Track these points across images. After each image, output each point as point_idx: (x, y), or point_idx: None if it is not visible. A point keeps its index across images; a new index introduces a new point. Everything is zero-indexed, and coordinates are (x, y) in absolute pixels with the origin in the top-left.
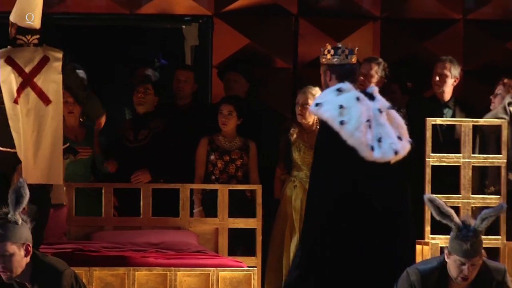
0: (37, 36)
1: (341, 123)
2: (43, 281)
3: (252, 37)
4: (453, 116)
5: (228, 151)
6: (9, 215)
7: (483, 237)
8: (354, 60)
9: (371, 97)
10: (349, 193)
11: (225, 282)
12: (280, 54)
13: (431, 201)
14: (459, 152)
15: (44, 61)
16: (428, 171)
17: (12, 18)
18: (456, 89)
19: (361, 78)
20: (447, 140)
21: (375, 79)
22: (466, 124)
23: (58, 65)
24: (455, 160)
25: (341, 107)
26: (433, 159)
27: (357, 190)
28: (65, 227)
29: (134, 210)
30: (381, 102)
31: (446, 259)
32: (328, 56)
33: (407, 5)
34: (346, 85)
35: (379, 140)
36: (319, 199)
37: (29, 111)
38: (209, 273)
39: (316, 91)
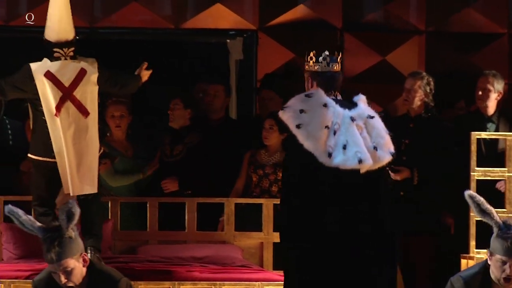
0: (73, 49)
1: (297, 126)
2: None
3: (296, 51)
4: (496, 130)
5: (263, 166)
6: (63, 232)
7: None
8: (336, 68)
9: (353, 105)
10: (310, 196)
11: None
12: None
13: (472, 197)
14: (502, 166)
15: (82, 74)
16: (472, 185)
17: (45, 34)
18: (500, 103)
19: (405, 93)
20: (490, 154)
21: (419, 93)
22: (510, 138)
23: (95, 76)
24: (500, 174)
25: (301, 111)
26: (478, 173)
27: (318, 194)
28: (110, 241)
29: (178, 224)
30: (360, 110)
31: (489, 262)
32: (311, 63)
33: (452, 18)
34: (316, 92)
35: (344, 147)
36: (283, 202)
37: (70, 125)
38: None
39: None
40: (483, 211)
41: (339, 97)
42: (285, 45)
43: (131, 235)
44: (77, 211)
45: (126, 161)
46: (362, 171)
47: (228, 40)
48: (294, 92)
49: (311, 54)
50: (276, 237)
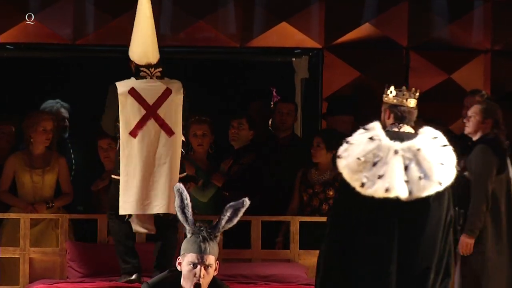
0: (160, 69)
1: (338, 157)
2: None
3: (362, 70)
4: None
5: (313, 184)
6: (216, 230)
7: None
8: (411, 104)
9: (412, 136)
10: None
11: None
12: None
13: None
14: None
15: (167, 94)
16: None
17: (130, 56)
18: None
19: (465, 111)
20: None
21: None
22: None
23: (180, 97)
24: None
25: (347, 142)
26: None
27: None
28: None
29: (243, 242)
30: (412, 143)
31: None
32: (390, 96)
33: None
34: (373, 124)
35: (379, 177)
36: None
37: (152, 143)
38: None
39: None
40: None
41: (403, 129)
42: (351, 64)
43: None
44: (236, 216)
45: (205, 177)
46: (404, 199)
47: (293, 59)
48: (368, 109)
49: (391, 88)
50: None
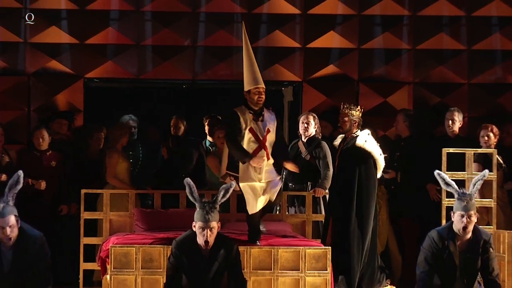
0: (263, 97)
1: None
2: (223, 252)
3: (328, 95)
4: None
5: None
6: (216, 203)
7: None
8: (356, 115)
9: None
10: None
11: (310, 256)
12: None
13: (439, 174)
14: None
15: (268, 131)
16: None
17: (245, 88)
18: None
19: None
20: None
21: (400, 124)
22: (469, 152)
23: (274, 129)
24: (461, 175)
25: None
26: (448, 175)
27: None
28: None
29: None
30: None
31: (452, 218)
32: (345, 110)
33: (432, 73)
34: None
35: None
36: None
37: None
38: (299, 251)
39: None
40: (447, 184)
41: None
42: (321, 91)
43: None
44: (227, 194)
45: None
46: None
47: (283, 88)
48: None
49: (346, 105)
50: (314, 217)
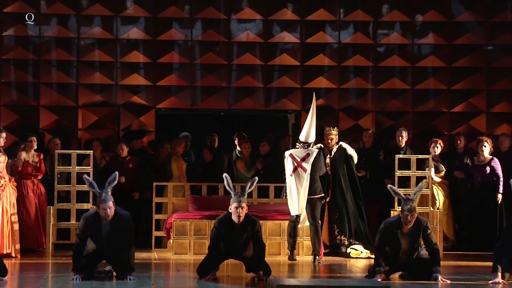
0: (309, 143)
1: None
2: (249, 226)
3: (318, 119)
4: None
5: None
6: (244, 193)
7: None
8: (334, 133)
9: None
10: None
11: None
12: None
13: (391, 187)
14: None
15: (307, 155)
16: (396, 180)
17: (301, 138)
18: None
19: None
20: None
21: (369, 138)
22: (413, 158)
23: (312, 157)
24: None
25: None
26: (399, 173)
27: None
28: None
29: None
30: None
31: (400, 215)
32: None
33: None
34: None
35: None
36: None
37: (300, 180)
38: (280, 223)
39: None
40: (396, 193)
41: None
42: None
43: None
44: (252, 186)
45: (250, 165)
46: None
47: (288, 114)
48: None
49: (329, 127)
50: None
